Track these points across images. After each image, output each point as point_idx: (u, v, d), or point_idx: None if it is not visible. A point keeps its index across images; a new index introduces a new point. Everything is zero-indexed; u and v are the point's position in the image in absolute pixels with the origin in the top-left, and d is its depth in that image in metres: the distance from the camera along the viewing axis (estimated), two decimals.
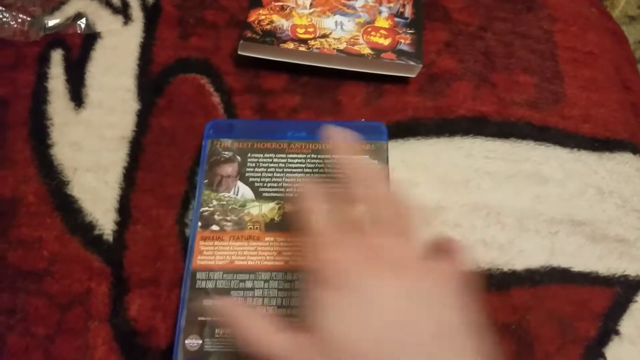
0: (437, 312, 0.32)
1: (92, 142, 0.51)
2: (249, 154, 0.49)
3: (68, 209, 0.48)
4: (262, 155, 0.49)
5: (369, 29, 0.56)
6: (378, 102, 0.54)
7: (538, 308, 0.45)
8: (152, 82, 0.55)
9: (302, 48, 0.53)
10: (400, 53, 0.54)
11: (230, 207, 0.46)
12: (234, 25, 0.58)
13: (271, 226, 0.46)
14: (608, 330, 0.45)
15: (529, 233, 0.48)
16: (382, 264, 0.33)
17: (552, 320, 0.45)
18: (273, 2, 0.58)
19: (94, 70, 0.55)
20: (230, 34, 0.58)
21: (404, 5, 0.58)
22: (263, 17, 0.56)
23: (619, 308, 0.46)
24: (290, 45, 0.54)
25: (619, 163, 0.52)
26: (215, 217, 0.46)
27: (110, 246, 0.47)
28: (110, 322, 0.44)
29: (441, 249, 0.37)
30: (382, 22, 0.57)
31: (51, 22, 0.58)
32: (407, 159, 0.51)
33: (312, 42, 0.54)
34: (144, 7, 0.60)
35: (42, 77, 0.55)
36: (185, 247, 0.46)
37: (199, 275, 0.43)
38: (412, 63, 0.53)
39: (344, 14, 0.57)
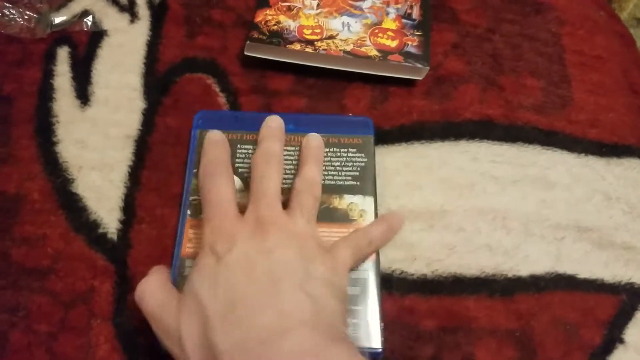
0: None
1: (98, 140, 0.51)
2: (238, 145, 0.49)
3: (72, 207, 0.48)
4: (251, 147, 0.49)
5: (376, 31, 0.56)
6: (383, 106, 0.54)
7: (543, 315, 0.45)
8: (158, 81, 0.55)
9: (309, 49, 0.53)
10: (408, 55, 0.54)
11: None
12: (240, 25, 0.58)
13: None
14: (613, 338, 0.44)
15: (535, 238, 0.48)
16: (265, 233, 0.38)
17: (556, 328, 0.44)
18: (280, 3, 0.57)
19: (100, 68, 0.55)
20: (237, 34, 0.58)
21: (411, 7, 0.58)
22: (270, 17, 0.56)
23: (624, 316, 0.46)
24: (297, 47, 0.53)
25: (627, 169, 0.52)
26: None
27: (114, 245, 0.47)
28: (113, 320, 0.44)
29: None
30: (390, 23, 0.56)
31: (57, 19, 0.58)
32: (411, 162, 0.51)
33: (318, 44, 0.54)
34: (151, 5, 0.60)
35: (48, 74, 0.55)
36: None
37: (187, 262, 0.44)
38: (419, 65, 0.53)
39: (351, 15, 0.57)
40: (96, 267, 0.46)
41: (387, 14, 0.57)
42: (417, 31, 0.56)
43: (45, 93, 0.54)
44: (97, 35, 0.57)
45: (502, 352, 0.43)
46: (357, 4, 0.58)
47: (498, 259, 0.47)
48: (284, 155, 0.47)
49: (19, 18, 0.57)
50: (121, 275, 0.45)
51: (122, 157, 0.50)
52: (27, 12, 0.57)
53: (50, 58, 0.56)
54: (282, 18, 0.56)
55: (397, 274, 0.46)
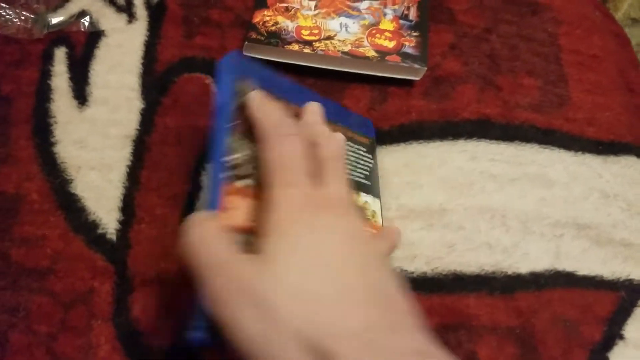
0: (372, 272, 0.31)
1: (96, 141, 0.51)
2: None
3: (71, 208, 0.48)
4: None
5: (374, 31, 0.56)
6: (382, 106, 0.54)
7: (543, 312, 0.45)
8: (156, 81, 0.54)
9: (307, 50, 0.53)
10: (405, 56, 0.54)
11: None
12: (239, 25, 0.58)
13: None
14: (613, 334, 0.45)
15: (534, 236, 0.48)
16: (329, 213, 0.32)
17: (556, 325, 0.45)
18: (278, 3, 0.57)
19: (98, 69, 0.55)
20: (235, 34, 0.58)
21: (408, 8, 0.58)
22: (268, 18, 0.56)
23: (623, 312, 0.46)
24: (295, 47, 0.53)
25: (624, 166, 0.52)
26: (249, 168, 0.36)
27: (114, 245, 0.46)
28: (113, 321, 0.43)
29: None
30: (387, 24, 0.57)
31: (55, 20, 0.58)
32: (410, 162, 0.51)
33: (316, 44, 0.54)
34: (148, 5, 0.59)
35: (45, 74, 0.55)
36: None
37: None
38: (416, 66, 0.53)
39: (348, 16, 0.57)
40: (96, 267, 0.45)
41: (385, 14, 0.58)
42: (415, 32, 0.56)
43: (43, 93, 0.53)
44: (95, 36, 0.57)
45: (503, 350, 0.43)
46: (355, 5, 0.58)
47: (498, 256, 0.47)
48: None
49: (15, 19, 0.57)
50: (121, 276, 0.45)
51: (120, 157, 0.50)
52: (24, 13, 0.57)
53: (47, 58, 0.56)
54: (280, 19, 0.56)
55: (398, 272, 0.46)
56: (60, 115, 0.52)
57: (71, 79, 0.54)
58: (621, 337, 0.45)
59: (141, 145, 0.51)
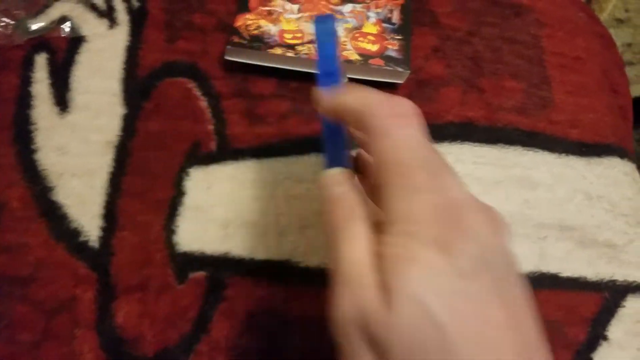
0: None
1: (78, 147, 0.51)
2: None
3: (53, 215, 0.47)
4: None
5: (357, 35, 0.56)
6: None
7: None
8: (138, 86, 0.54)
9: (290, 54, 0.53)
10: (388, 59, 0.54)
11: None
12: (221, 29, 0.58)
13: None
14: (597, 335, 0.45)
15: (519, 238, 0.48)
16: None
17: (541, 326, 0.45)
18: (261, 7, 0.57)
19: (79, 74, 0.55)
20: (218, 38, 0.57)
21: (391, 11, 0.58)
22: (250, 22, 0.56)
23: (607, 313, 0.46)
24: (278, 51, 0.53)
25: (607, 168, 0.53)
26: None
27: (96, 252, 0.46)
28: (96, 329, 0.43)
29: None
30: (370, 27, 0.57)
31: (35, 26, 0.57)
32: None
33: (299, 48, 0.54)
34: (130, 10, 0.59)
35: (26, 81, 0.54)
36: (172, 254, 0.46)
37: None
38: (399, 69, 0.53)
39: None
40: (78, 275, 0.45)
41: (368, 18, 0.57)
42: (398, 35, 0.56)
43: (24, 100, 0.53)
44: (76, 41, 0.57)
45: None
46: (338, 8, 0.58)
47: None
48: None
49: None
50: (104, 283, 0.45)
51: (102, 163, 0.50)
52: (4, 19, 0.56)
53: (28, 65, 0.55)
54: (262, 22, 0.56)
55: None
56: (42, 121, 0.52)
57: (52, 85, 0.54)
58: (605, 338, 0.45)
59: (123, 151, 0.50)
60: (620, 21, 0.92)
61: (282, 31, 0.55)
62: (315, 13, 0.57)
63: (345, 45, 0.55)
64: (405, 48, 0.55)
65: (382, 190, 0.27)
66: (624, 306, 0.47)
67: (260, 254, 0.47)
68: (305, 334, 0.44)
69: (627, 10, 0.90)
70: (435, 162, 0.27)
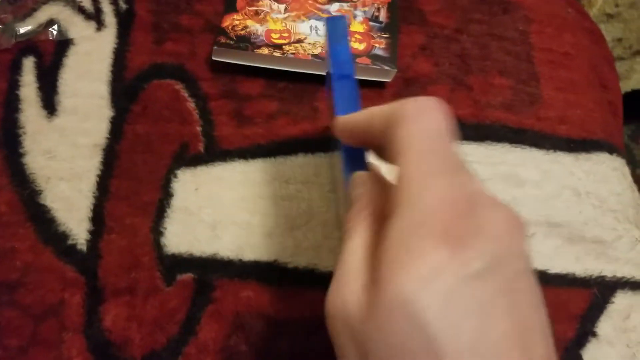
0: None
1: (66, 150, 0.50)
2: None
3: (41, 219, 0.47)
4: None
5: None
6: None
7: None
8: (126, 88, 0.54)
9: (277, 53, 0.53)
10: (375, 58, 0.54)
11: None
12: (209, 30, 0.58)
13: None
14: (586, 331, 0.45)
15: None
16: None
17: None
18: (247, 7, 0.57)
19: (66, 77, 0.55)
20: (205, 39, 0.57)
21: (378, 9, 0.58)
22: (237, 22, 0.56)
23: (596, 309, 0.46)
24: (265, 51, 0.53)
25: (596, 163, 0.52)
26: None
27: (84, 256, 0.46)
28: (84, 333, 0.43)
29: None
30: (357, 26, 0.56)
31: (23, 29, 0.57)
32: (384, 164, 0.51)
33: (287, 47, 0.54)
34: (117, 12, 0.59)
35: (13, 84, 0.54)
36: (160, 256, 0.46)
37: None
38: (386, 68, 0.53)
39: (319, 19, 0.57)
40: (66, 278, 0.45)
41: (355, 16, 0.57)
42: (385, 33, 0.56)
43: (12, 104, 0.53)
44: (64, 44, 0.57)
45: None
46: (325, 7, 0.58)
47: None
48: None
49: None
50: (91, 287, 0.45)
51: (90, 166, 0.50)
52: None
53: (15, 68, 0.55)
54: (249, 22, 0.56)
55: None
56: (29, 125, 0.52)
57: (40, 88, 0.54)
58: (594, 334, 0.45)
59: (111, 154, 0.50)
60: (610, 16, 0.92)
61: (269, 31, 0.55)
62: (302, 12, 0.57)
63: None
64: (392, 46, 0.55)
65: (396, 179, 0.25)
66: (613, 302, 0.47)
67: (248, 255, 0.47)
68: (293, 335, 0.44)
69: (617, 5, 0.89)
70: (455, 157, 0.25)
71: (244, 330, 0.44)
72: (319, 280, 0.46)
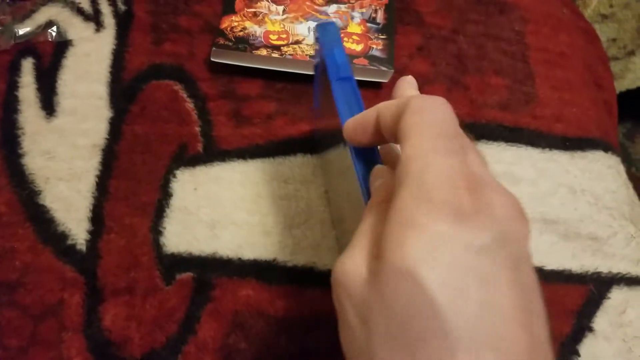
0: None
1: (65, 151, 0.51)
2: None
3: (40, 219, 0.47)
4: None
5: (342, 35, 0.56)
6: None
7: None
8: (124, 89, 0.54)
9: (275, 54, 0.53)
10: (373, 59, 0.54)
11: None
12: (208, 31, 0.58)
13: None
14: (582, 327, 0.45)
15: None
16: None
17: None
18: (246, 9, 0.58)
19: (65, 78, 0.55)
20: (204, 40, 0.58)
21: (376, 11, 0.58)
22: (236, 23, 0.56)
23: (592, 305, 0.46)
24: (263, 52, 0.54)
25: (591, 161, 0.53)
26: None
27: (83, 256, 0.46)
28: (84, 332, 0.43)
29: None
30: (355, 27, 0.57)
31: (22, 31, 0.57)
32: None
33: (285, 49, 0.54)
34: (116, 13, 0.59)
35: (13, 86, 0.54)
36: (159, 256, 0.46)
37: None
38: (383, 68, 0.53)
39: (316, 20, 0.57)
40: (65, 278, 0.45)
41: (352, 18, 0.58)
42: (382, 35, 0.56)
43: (11, 105, 0.53)
44: (62, 45, 0.57)
45: None
46: (323, 9, 0.58)
47: None
48: None
49: None
50: (91, 287, 0.45)
51: (89, 166, 0.50)
52: None
53: (14, 70, 0.55)
54: (248, 24, 0.56)
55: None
56: (28, 126, 0.52)
57: (39, 89, 0.54)
58: (590, 330, 0.45)
59: (110, 154, 0.51)
60: (604, 17, 0.92)
61: (267, 32, 0.56)
62: (300, 14, 0.57)
63: None
64: (389, 47, 0.55)
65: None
66: (609, 298, 0.47)
67: (247, 254, 0.47)
68: (292, 333, 0.44)
69: (611, 6, 0.90)
70: (463, 140, 0.25)
71: (243, 329, 0.44)
72: (317, 279, 0.46)
